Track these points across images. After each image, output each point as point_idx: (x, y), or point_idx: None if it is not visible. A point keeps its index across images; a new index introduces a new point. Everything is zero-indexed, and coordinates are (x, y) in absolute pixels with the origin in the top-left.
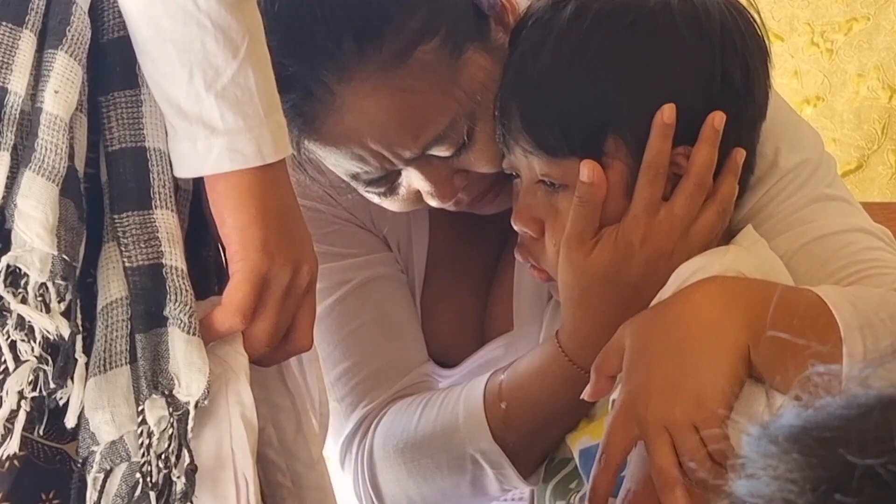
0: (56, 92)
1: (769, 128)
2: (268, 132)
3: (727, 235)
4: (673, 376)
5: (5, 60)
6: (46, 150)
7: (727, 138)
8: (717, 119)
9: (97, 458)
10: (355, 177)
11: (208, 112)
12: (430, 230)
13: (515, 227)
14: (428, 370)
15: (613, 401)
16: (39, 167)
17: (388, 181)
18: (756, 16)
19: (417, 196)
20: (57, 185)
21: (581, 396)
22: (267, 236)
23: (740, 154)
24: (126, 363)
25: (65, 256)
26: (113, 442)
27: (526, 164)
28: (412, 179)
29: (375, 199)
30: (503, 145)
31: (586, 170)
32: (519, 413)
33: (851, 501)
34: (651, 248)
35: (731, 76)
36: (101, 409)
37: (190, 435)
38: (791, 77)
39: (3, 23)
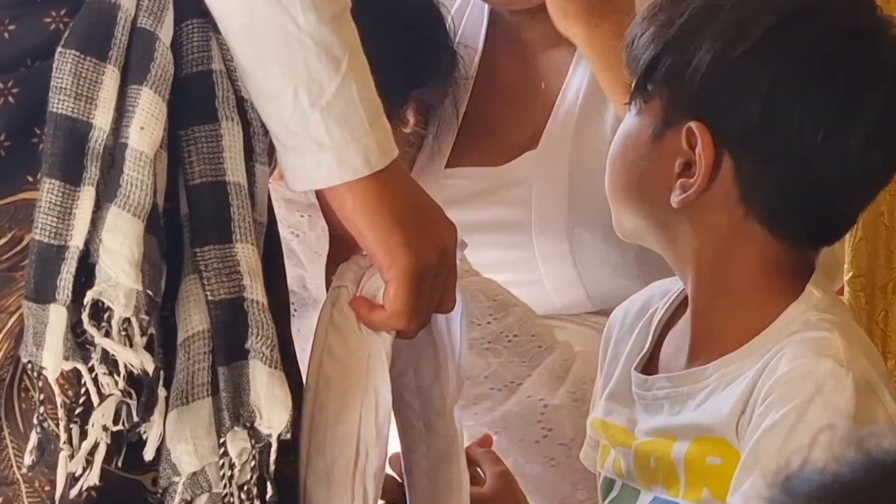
0: (142, 128)
1: None
2: (373, 141)
3: None
4: None
5: (90, 95)
6: (132, 186)
7: None
8: None
9: (179, 488)
10: None
11: (315, 128)
12: None
13: None
14: None
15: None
16: (125, 203)
17: None
18: None
19: None
20: (142, 221)
21: None
22: (408, 237)
23: None
24: (208, 395)
25: (149, 291)
26: (194, 473)
27: None
28: None
29: None
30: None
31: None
32: None
33: None
34: None
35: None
36: (183, 440)
37: (272, 467)
38: None
39: (88, 58)
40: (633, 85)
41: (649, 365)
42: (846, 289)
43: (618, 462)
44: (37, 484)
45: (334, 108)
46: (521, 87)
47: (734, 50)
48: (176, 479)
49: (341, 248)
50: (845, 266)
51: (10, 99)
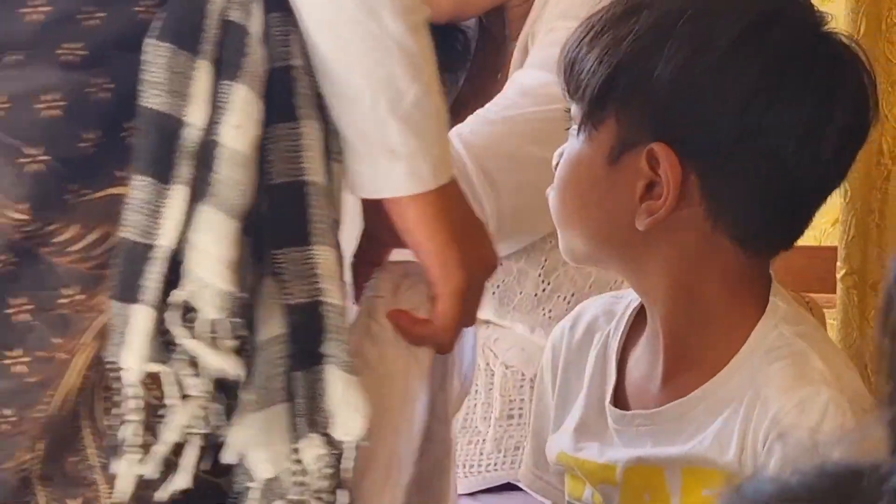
0: (238, 127)
1: None
2: (440, 154)
3: None
4: None
5: (183, 91)
6: (226, 185)
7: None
8: None
9: (255, 494)
10: None
11: (391, 136)
12: None
13: None
14: None
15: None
16: (219, 203)
17: None
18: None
19: None
20: (238, 222)
21: None
22: (462, 253)
23: None
24: (283, 400)
25: (242, 294)
26: (270, 479)
27: None
28: None
29: None
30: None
31: None
32: None
33: None
34: None
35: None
36: (259, 446)
37: (345, 475)
38: None
39: (182, 52)
40: (578, 111)
41: (618, 393)
42: (839, 286)
43: (597, 498)
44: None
45: (412, 117)
46: (485, 77)
47: (697, 65)
48: (251, 484)
49: (372, 249)
50: (838, 264)
51: (107, 95)
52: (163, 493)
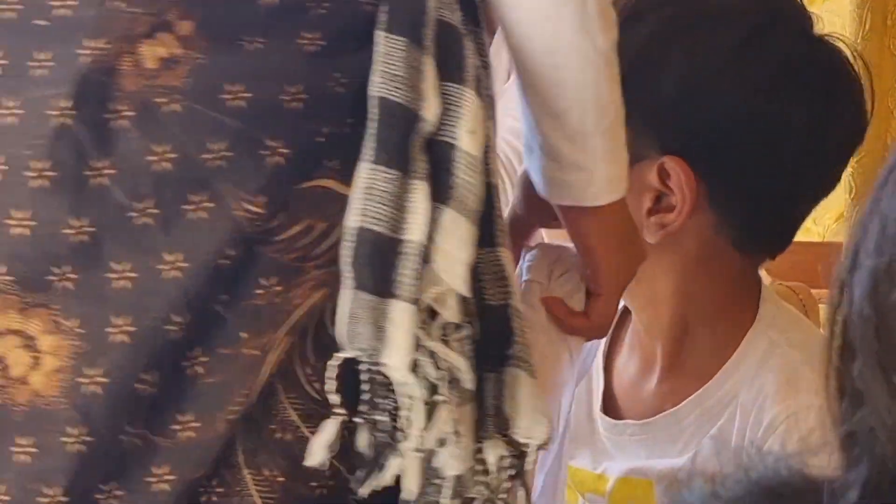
0: (472, 132)
1: None
2: (626, 163)
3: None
4: None
5: (417, 86)
6: (466, 190)
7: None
8: None
9: (447, 492)
10: None
11: (593, 150)
12: None
13: None
14: None
15: None
16: (462, 207)
17: None
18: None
19: None
20: (476, 228)
21: None
22: (628, 257)
23: None
24: (470, 399)
25: (472, 299)
26: (456, 477)
27: None
28: None
29: None
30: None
31: None
32: None
33: None
34: None
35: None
36: (451, 443)
37: (528, 477)
38: None
39: (413, 47)
40: None
41: (607, 400)
42: None
43: None
44: (266, 472)
45: (610, 131)
46: None
47: (701, 74)
48: (437, 481)
49: (517, 230)
50: None
51: (343, 89)
52: (365, 489)
